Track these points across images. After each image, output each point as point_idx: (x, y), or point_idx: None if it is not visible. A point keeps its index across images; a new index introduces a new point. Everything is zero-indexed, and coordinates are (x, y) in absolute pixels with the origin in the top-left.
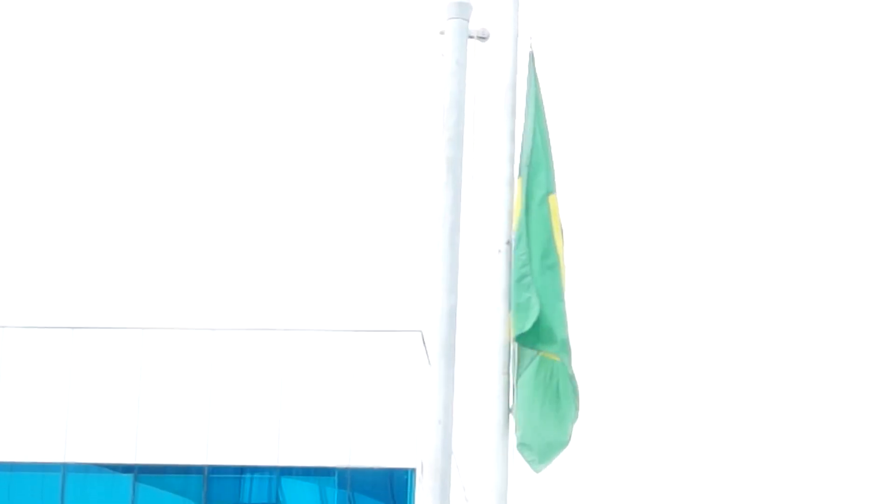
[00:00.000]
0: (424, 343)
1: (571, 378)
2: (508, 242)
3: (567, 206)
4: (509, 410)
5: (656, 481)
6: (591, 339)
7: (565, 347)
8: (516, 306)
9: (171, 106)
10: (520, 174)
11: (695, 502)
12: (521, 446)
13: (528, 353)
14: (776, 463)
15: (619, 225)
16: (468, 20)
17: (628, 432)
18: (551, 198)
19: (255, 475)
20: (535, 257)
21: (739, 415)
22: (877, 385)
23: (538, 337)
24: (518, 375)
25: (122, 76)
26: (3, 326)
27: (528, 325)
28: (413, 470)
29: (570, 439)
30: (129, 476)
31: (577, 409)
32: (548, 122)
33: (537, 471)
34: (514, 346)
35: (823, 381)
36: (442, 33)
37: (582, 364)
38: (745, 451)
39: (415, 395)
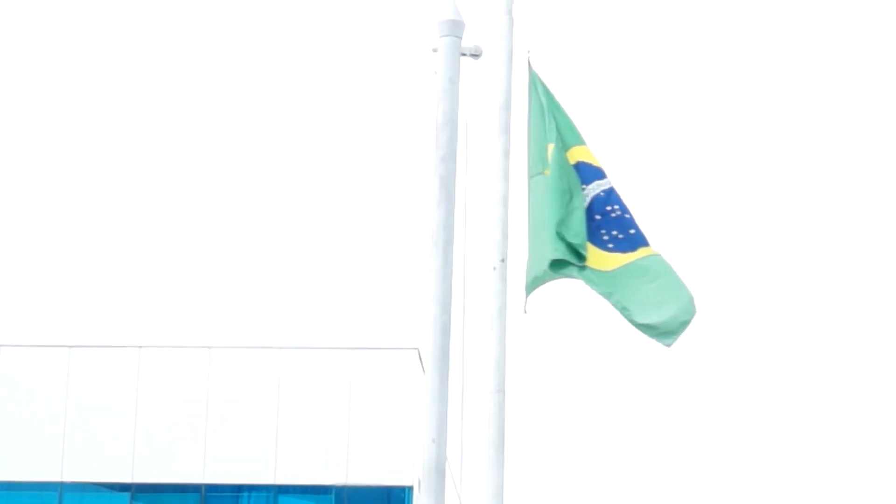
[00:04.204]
0: (421, 360)
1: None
2: (503, 260)
3: None
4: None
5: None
6: (591, 340)
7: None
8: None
9: (168, 126)
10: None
11: (694, 502)
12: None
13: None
14: (776, 463)
15: None
16: (461, 38)
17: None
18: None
19: (253, 493)
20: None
21: (739, 415)
22: (877, 385)
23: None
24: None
25: (118, 80)
26: None
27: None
28: (410, 488)
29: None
30: (126, 494)
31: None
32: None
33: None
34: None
35: (823, 381)
36: (434, 51)
37: (582, 364)
38: (746, 450)
39: (412, 412)
